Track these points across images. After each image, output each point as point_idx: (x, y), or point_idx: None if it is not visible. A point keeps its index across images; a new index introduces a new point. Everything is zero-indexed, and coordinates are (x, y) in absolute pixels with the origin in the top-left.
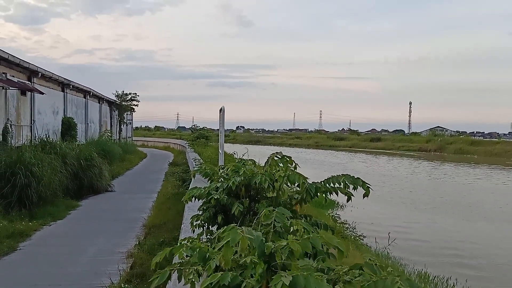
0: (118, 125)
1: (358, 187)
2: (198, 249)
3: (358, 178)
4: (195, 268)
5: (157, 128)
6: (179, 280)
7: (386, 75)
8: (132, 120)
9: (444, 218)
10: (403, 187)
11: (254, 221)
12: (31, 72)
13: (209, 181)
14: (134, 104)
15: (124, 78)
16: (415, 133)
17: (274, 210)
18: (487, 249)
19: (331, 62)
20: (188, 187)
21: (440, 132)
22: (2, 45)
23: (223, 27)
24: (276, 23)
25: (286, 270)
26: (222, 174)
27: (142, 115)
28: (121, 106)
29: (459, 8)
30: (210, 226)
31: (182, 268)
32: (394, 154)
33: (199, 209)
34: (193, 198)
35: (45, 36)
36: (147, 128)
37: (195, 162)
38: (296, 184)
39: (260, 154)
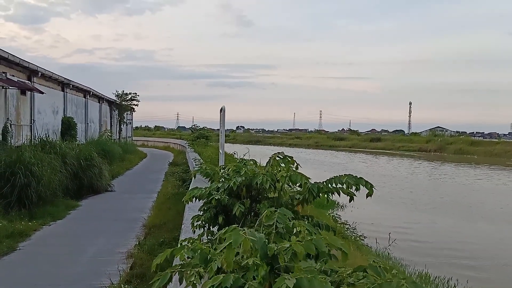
0: (118, 125)
1: (361, 187)
2: (199, 251)
3: (361, 178)
4: (197, 270)
5: (157, 128)
6: (180, 282)
7: (386, 75)
8: (132, 120)
9: (444, 218)
10: (403, 187)
11: (257, 222)
12: (31, 72)
13: (210, 182)
14: (134, 104)
15: (124, 78)
16: (415, 133)
17: (275, 211)
18: (488, 249)
19: (331, 62)
20: (188, 187)
21: (440, 132)
22: (2, 45)
23: (223, 27)
24: (276, 23)
25: (290, 273)
26: (223, 174)
27: (142, 115)
28: (121, 105)
29: (459, 8)
30: (211, 227)
31: (183, 270)
32: (394, 154)
33: (199, 210)
34: (194, 198)
35: (45, 36)
36: (147, 128)
37: (195, 162)
38: (297, 185)
39: (260, 154)
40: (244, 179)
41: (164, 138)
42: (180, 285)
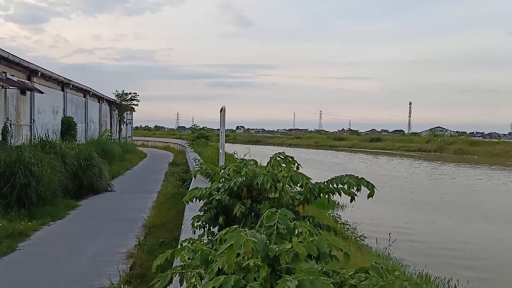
0: (118, 125)
1: (362, 187)
2: (200, 252)
3: (362, 178)
4: (197, 271)
5: (157, 128)
6: (181, 283)
7: (386, 75)
8: (132, 119)
9: (444, 218)
10: (403, 187)
11: (258, 223)
12: (31, 72)
13: (210, 182)
14: (134, 104)
15: (124, 77)
16: (415, 134)
17: (276, 211)
18: (488, 249)
19: (331, 62)
20: (188, 187)
21: (440, 132)
22: (2, 45)
23: (223, 27)
24: (276, 23)
25: (291, 274)
26: (224, 174)
27: (142, 115)
28: (121, 105)
29: (459, 8)
30: (211, 227)
31: (184, 271)
32: (394, 154)
33: (200, 210)
34: (194, 198)
35: (45, 36)
36: (147, 128)
37: (195, 162)
38: (298, 185)
39: (260, 154)
40: (244, 179)
41: (164, 138)
42: (180, 286)
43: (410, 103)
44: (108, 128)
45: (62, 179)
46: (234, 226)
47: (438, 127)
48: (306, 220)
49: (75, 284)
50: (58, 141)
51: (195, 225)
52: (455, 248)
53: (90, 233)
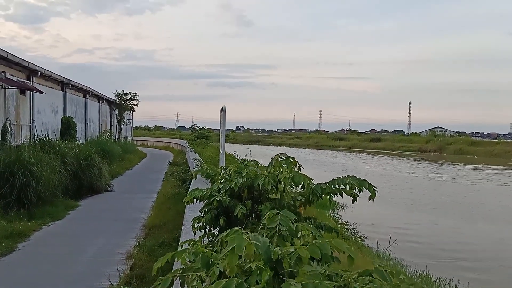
0: (117, 125)
1: (364, 189)
2: (201, 254)
3: (364, 180)
4: (199, 274)
5: (157, 127)
6: (182, 286)
7: (386, 75)
8: (131, 119)
9: (445, 218)
10: (404, 187)
11: (260, 225)
12: (31, 71)
13: (211, 182)
14: (133, 104)
15: (124, 77)
16: (414, 134)
17: (278, 213)
18: (489, 250)
19: (331, 62)
20: (188, 187)
21: (440, 132)
22: (2, 44)
23: (223, 27)
24: (276, 23)
25: (294, 278)
26: (224, 175)
27: (142, 115)
28: (121, 105)
29: (459, 8)
30: (212, 228)
31: (184, 274)
32: (394, 154)
33: (200, 211)
34: (195, 199)
35: (45, 35)
36: (147, 128)
37: (195, 162)
38: (300, 186)
39: (260, 154)
40: (245, 180)
41: (164, 138)
42: None
43: (410, 103)
44: (108, 128)
45: (61, 179)
46: (236, 228)
47: (438, 127)
48: (307, 221)
49: (75, 284)
50: (57, 141)
51: (195, 226)
52: (455, 249)
53: (89, 233)
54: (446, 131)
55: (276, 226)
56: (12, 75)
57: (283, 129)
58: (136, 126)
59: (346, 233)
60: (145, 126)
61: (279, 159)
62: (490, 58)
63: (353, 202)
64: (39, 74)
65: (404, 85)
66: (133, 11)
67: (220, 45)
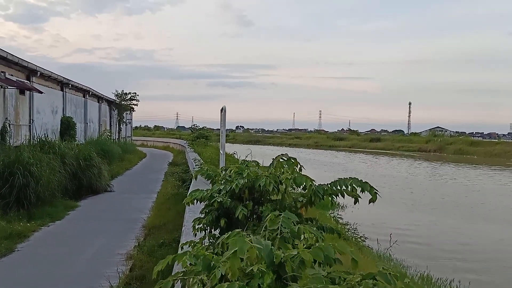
0: (117, 125)
1: (365, 191)
2: (202, 257)
3: (366, 182)
4: (200, 277)
5: (157, 127)
6: None
7: (386, 75)
8: (131, 119)
9: (445, 219)
10: (404, 187)
11: (262, 228)
12: (30, 71)
13: (211, 183)
14: (133, 104)
15: (124, 77)
16: (414, 134)
17: (280, 214)
18: (490, 251)
19: (331, 62)
20: (188, 187)
21: (440, 132)
22: (2, 44)
23: (223, 27)
24: (276, 23)
25: (298, 281)
26: (225, 176)
27: (141, 115)
28: (121, 105)
29: (459, 8)
30: (212, 230)
31: (185, 277)
32: (394, 154)
33: (201, 212)
34: (195, 200)
35: (45, 35)
36: (147, 128)
37: (195, 162)
38: (301, 187)
39: (260, 154)
40: (246, 181)
41: (164, 138)
42: None
43: (410, 103)
44: (108, 128)
45: (61, 179)
46: (237, 230)
47: (438, 127)
48: (309, 222)
49: (74, 285)
50: (57, 141)
51: (196, 228)
52: (456, 249)
53: (89, 234)
54: (446, 131)
55: (278, 228)
56: (12, 75)
57: (283, 129)
58: (136, 126)
59: (347, 233)
60: (145, 126)
61: (281, 160)
62: (490, 58)
63: (355, 203)
64: (38, 74)
65: (404, 85)
66: (133, 11)
67: (220, 45)
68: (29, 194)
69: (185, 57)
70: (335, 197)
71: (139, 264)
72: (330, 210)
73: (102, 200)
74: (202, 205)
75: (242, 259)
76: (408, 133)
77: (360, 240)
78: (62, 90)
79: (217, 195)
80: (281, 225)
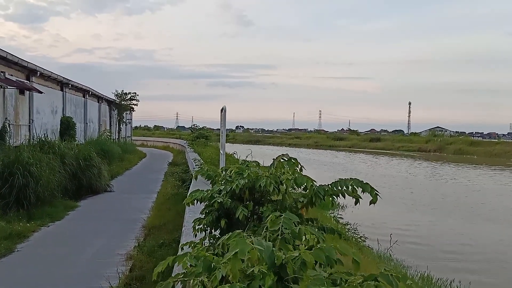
0: (117, 125)
1: (366, 192)
2: (202, 258)
3: (367, 183)
4: (200, 279)
5: (157, 127)
6: None
7: (386, 75)
8: (131, 119)
9: (445, 219)
10: (404, 187)
11: (263, 229)
12: (30, 71)
13: (211, 183)
14: (133, 104)
15: (124, 77)
16: (414, 134)
17: (280, 215)
18: (490, 251)
19: (331, 62)
20: (188, 187)
21: (440, 132)
22: (1, 44)
23: (223, 26)
24: (276, 23)
25: (299, 283)
26: (225, 176)
27: (141, 115)
28: (121, 105)
29: (458, 8)
30: (212, 230)
31: (186, 279)
32: (394, 154)
33: (201, 213)
34: (195, 201)
35: (44, 35)
36: (147, 128)
37: (195, 162)
38: (302, 187)
39: (260, 154)
40: (247, 181)
41: (164, 138)
42: None
43: (410, 103)
44: (108, 128)
45: (61, 179)
46: (238, 230)
47: (438, 127)
48: (310, 223)
49: (74, 285)
50: (57, 141)
51: (196, 228)
52: (456, 249)
53: (89, 234)
54: (446, 131)
55: (279, 229)
56: (11, 75)
57: (283, 129)
58: (136, 126)
59: (347, 233)
60: (144, 126)
61: (281, 160)
62: (490, 58)
63: (355, 204)
64: (38, 74)
65: (404, 85)
66: (133, 11)
67: (220, 45)
68: (29, 194)
69: (185, 57)
70: (335, 198)
71: (139, 264)
72: (331, 210)
73: (102, 200)
74: (202, 205)
75: (243, 261)
76: (408, 133)
77: (360, 240)
78: (62, 90)
79: (218, 195)
80: (282, 226)
